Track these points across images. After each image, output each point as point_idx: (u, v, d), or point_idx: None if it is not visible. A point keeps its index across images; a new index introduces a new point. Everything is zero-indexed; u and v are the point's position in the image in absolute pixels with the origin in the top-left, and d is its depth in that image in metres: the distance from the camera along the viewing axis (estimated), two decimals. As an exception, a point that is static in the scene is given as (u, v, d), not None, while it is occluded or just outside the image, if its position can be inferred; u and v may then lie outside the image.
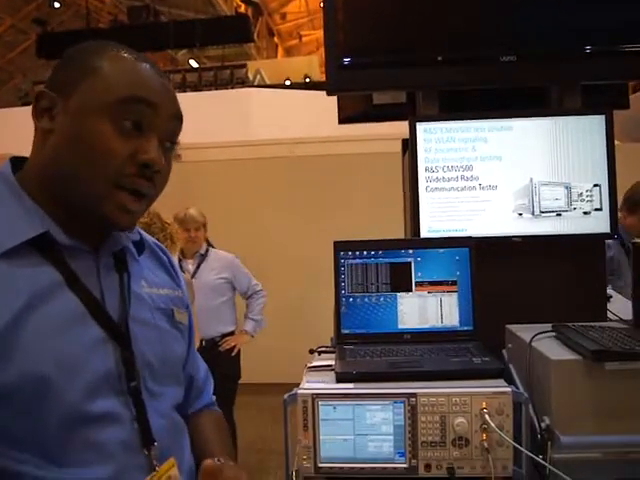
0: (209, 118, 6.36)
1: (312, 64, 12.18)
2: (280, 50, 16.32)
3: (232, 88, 9.80)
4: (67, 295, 0.76)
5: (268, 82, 11.09)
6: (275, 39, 15.87)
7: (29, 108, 0.80)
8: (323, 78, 1.76)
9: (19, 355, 0.69)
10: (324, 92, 1.58)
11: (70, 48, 0.82)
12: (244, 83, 10.33)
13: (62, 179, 0.77)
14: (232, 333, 3.43)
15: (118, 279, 0.84)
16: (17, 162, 0.82)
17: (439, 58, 1.48)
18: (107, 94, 0.76)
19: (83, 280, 0.78)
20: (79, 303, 0.76)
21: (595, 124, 1.45)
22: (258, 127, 6.45)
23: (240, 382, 3.45)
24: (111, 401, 0.76)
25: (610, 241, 2.64)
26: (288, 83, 10.87)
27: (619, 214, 2.94)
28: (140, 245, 0.93)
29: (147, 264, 0.94)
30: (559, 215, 1.45)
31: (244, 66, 11.08)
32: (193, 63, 12.29)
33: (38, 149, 0.80)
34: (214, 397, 1.10)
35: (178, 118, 0.84)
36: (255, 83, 10.76)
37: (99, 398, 0.75)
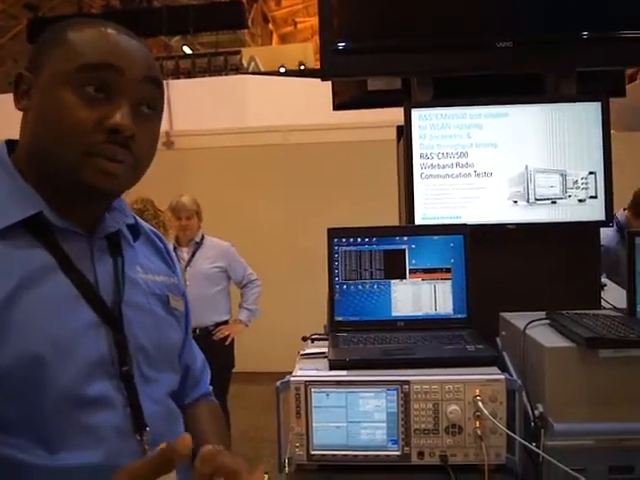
0: (202, 105, 6.31)
1: (307, 51, 12.09)
2: (275, 37, 16.16)
3: (226, 75, 9.71)
4: (60, 278, 0.75)
5: (262, 69, 11.00)
6: (270, 26, 15.72)
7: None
8: (318, 65, 1.74)
9: (13, 335, 0.68)
10: (319, 79, 1.57)
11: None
12: (238, 70, 10.23)
13: (40, 156, 0.76)
14: (226, 322, 3.43)
15: (112, 263, 0.83)
16: (12, 145, 0.81)
17: (434, 44, 1.46)
18: (69, 63, 0.74)
19: (76, 263, 0.77)
20: (72, 286, 0.75)
21: (591, 111, 1.44)
22: (252, 114, 6.41)
23: (233, 371, 3.45)
24: (104, 385, 0.75)
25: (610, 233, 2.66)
26: (283, 70, 10.78)
27: (626, 212, 2.97)
28: (135, 231, 0.92)
29: (142, 250, 0.93)
30: (554, 203, 1.45)
31: (238, 53, 10.96)
32: (186, 49, 12.16)
33: (21, 130, 0.79)
34: (211, 387, 1.09)
35: (152, 81, 0.81)
36: (249, 70, 10.67)
37: (92, 382, 0.74)
